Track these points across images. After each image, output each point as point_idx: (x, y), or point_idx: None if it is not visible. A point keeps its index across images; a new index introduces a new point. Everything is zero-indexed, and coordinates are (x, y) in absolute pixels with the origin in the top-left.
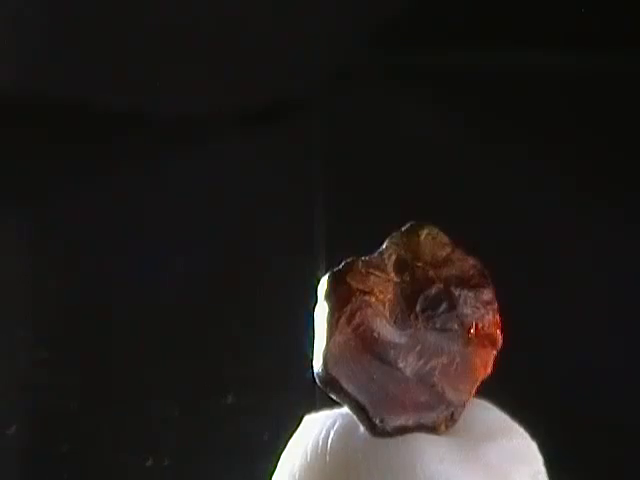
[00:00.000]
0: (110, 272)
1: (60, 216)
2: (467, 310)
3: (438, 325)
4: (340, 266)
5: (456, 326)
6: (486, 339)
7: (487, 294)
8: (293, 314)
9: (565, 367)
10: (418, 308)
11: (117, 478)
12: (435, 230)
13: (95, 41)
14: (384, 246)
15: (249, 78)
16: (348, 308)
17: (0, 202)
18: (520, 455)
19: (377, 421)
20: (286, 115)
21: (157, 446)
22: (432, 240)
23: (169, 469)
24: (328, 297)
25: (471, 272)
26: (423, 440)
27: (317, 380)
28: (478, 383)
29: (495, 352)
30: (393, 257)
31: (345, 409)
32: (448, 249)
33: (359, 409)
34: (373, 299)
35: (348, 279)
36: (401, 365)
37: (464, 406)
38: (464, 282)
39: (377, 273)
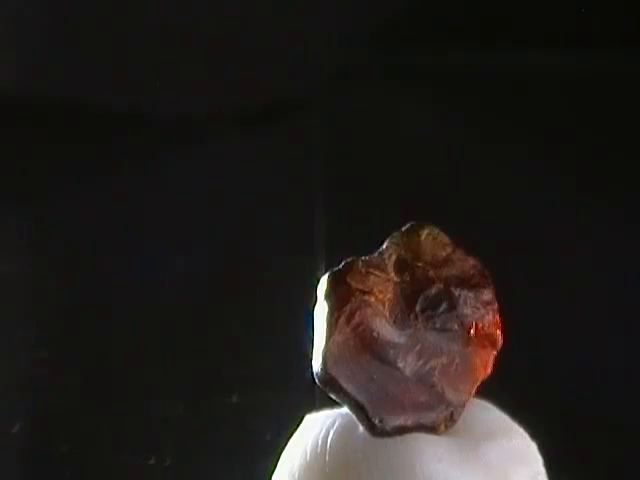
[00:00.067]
0: (110, 272)
1: (60, 216)
2: (467, 310)
3: (438, 325)
4: (340, 266)
5: (456, 326)
6: (486, 339)
7: (487, 294)
8: (293, 314)
9: (565, 367)
10: (418, 308)
11: (117, 478)
12: (436, 230)
13: (95, 41)
14: (384, 246)
15: (249, 78)
16: (347, 308)
17: (0, 202)
18: (520, 455)
19: (376, 421)
20: (286, 115)
21: (157, 446)
22: (433, 240)
23: (169, 469)
24: (328, 297)
25: (471, 272)
26: (422, 440)
27: (316, 380)
28: (478, 383)
29: (495, 352)
30: (393, 257)
31: (345, 409)
32: (449, 249)
33: (358, 409)
34: (373, 299)
35: (348, 279)
36: (400, 365)
37: (464, 406)
38: (464, 282)
39: (377, 273)
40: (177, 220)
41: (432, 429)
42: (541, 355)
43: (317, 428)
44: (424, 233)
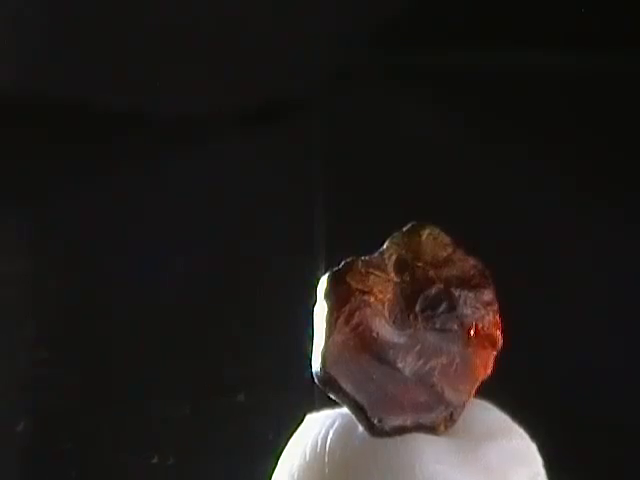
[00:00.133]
0: (110, 272)
1: (60, 216)
2: (467, 310)
3: (438, 325)
4: (340, 266)
5: (456, 326)
6: (486, 340)
7: (487, 295)
8: (293, 314)
9: (565, 367)
10: (418, 308)
11: (117, 478)
12: (436, 230)
13: (95, 41)
14: (385, 246)
15: (249, 78)
16: (347, 308)
17: (0, 202)
18: (520, 456)
19: (375, 421)
20: (286, 115)
21: (157, 446)
22: (433, 240)
23: (168, 469)
24: (327, 297)
25: (472, 272)
26: (422, 440)
27: (316, 379)
28: (478, 384)
29: (495, 353)
30: (393, 257)
31: (345, 409)
32: (449, 249)
33: (357, 409)
34: (372, 299)
35: (347, 279)
36: (400, 365)
37: (463, 406)
38: (464, 282)
39: (377, 273)
40: (177, 220)
41: (432, 429)
42: (541, 355)
43: (317, 428)
44: (425, 233)
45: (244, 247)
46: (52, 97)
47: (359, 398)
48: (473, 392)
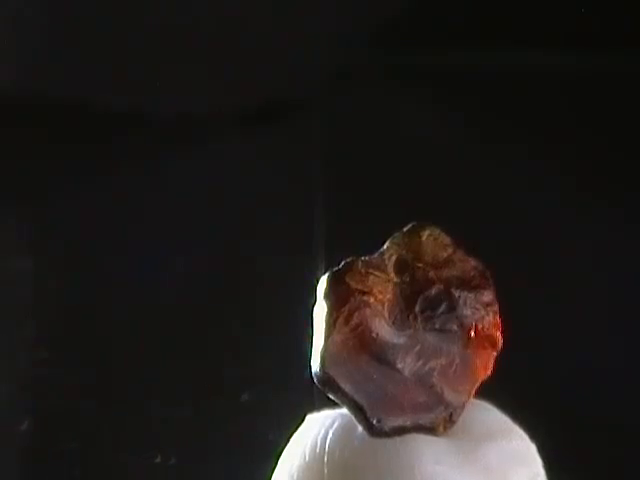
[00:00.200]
0: (110, 272)
1: (60, 216)
2: (467, 311)
3: (437, 326)
4: (339, 266)
5: (455, 327)
6: (486, 340)
7: (487, 295)
8: (293, 314)
9: (565, 367)
10: (418, 309)
11: (117, 478)
12: (437, 231)
13: (95, 41)
14: (385, 246)
15: (249, 78)
16: (346, 308)
17: (0, 202)
18: (519, 457)
19: (375, 421)
20: (286, 115)
21: (157, 446)
22: (433, 241)
23: (170, 469)
24: (327, 297)
25: (472, 273)
26: (421, 441)
27: (315, 380)
28: (477, 384)
29: (495, 353)
30: (394, 257)
31: (345, 409)
32: (449, 250)
33: (357, 409)
34: (372, 299)
35: (347, 279)
36: (400, 365)
37: (463, 407)
38: (465, 283)
39: (377, 273)
40: (177, 220)
41: (431, 430)
42: (541, 355)
43: (317, 428)
44: (425, 234)
45: (244, 247)
46: (52, 97)
47: (358, 398)
48: (473, 393)
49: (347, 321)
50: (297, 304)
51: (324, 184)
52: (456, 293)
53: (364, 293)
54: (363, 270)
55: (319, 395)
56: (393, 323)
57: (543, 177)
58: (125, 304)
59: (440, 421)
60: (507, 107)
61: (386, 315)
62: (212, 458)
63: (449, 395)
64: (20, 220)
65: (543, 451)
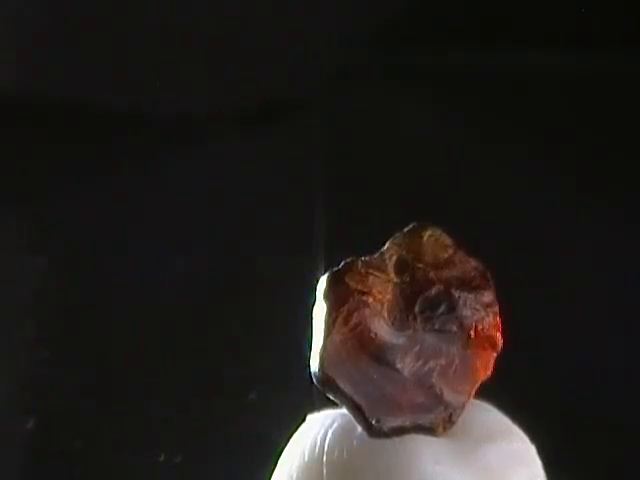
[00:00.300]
0: (110, 272)
1: (60, 216)
2: (467, 312)
3: (437, 326)
4: (339, 266)
5: (455, 328)
6: (486, 341)
7: (488, 296)
8: (293, 314)
9: (565, 367)
10: (417, 309)
11: (117, 478)
12: (438, 231)
13: (95, 41)
14: (386, 246)
15: (249, 78)
16: (345, 308)
17: (0, 202)
18: (519, 457)
19: (373, 421)
20: (286, 115)
21: (157, 446)
22: (434, 241)
23: (170, 469)
24: (326, 297)
25: (472, 274)
26: (421, 441)
27: (314, 380)
28: (477, 385)
29: (495, 354)
30: (394, 257)
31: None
32: (450, 251)
33: (355, 409)
34: (371, 299)
35: (347, 279)
36: (399, 366)
37: (463, 408)
38: (465, 284)
39: (377, 273)
40: (177, 220)
41: (431, 430)
42: (541, 355)
43: (316, 428)
44: (426, 234)
45: (244, 247)
46: (52, 97)
47: (357, 398)
48: (472, 393)
49: (346, 321)
50: (297, 304)
51: (324, 184)
52: (456, 294)
53: (363, 293)
54: (363, 270)
55: (319, 395)
56: (392, 323)
57: (543, 177)
58: (125, 304)
59: (439, 422)
60: (507, 107)
61: (385, 315)
62: (212, 458)
63: (448, 396)
64: (20, 220)
65: (543, 451)
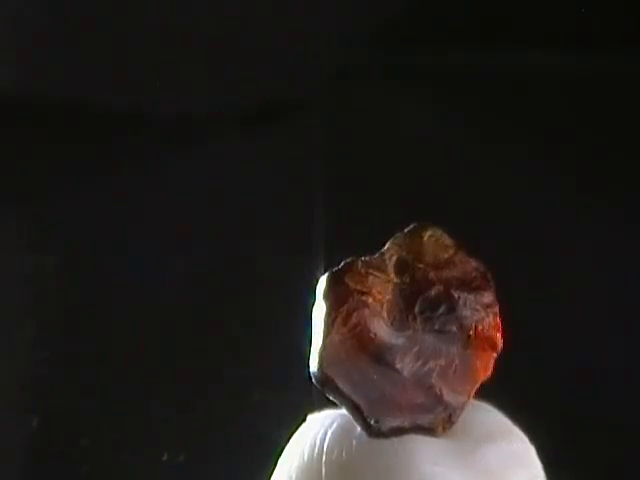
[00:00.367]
0: (110, 272)
1: (60, 216)
2: (467, 312)
3: (437, 327)
4: (339, 266)
5: (455, 328)
6: (486, 342)
7: (488, 297)
8: (293, 314)
9: (565, 367)
10: (417, 309)
11: (116, 478)
12: (438, 232)
13: (95, 41)
14: (386, 247)
15: (249, 78)
16: (345, 308)
17: (0, 202)
18: (519, 458)
19: (372, 422)
20: (286, 115)
21: (157, 446)
22: (435, 242)
23: (170, 469)
24: (326, 297)
25: (473, 274)
26: (420, 442)
27: (313, 380)
28: (477, 385)
29: (495, 355)
30: (394, 258)
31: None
32: (451, 251)
33: (354, 409)
34: (371, 299)
35: (346, 279)
36: (398, 366)
37: (462, 408)
38: (465, 284)
39: (377, 274)
40: (177, 220)
41: (430, 431)
42: (541, 355)
43: (316, 428)
44: (427, 234)
45: (244, 247)
46: (52, 97)
47: (356, 398)
48: (472, 394)
49: (345, 321)
50: (297, 304)
51: (324, 184)
52: (456, 294)
53: (363, 293)
54: (363, 270)
55: (318, 395)
56: (392, 324)
57: (543, 177)
58: (125, 304)
59: (439, 422)
60: (507, 107)
61: (385, 315)
62: (212, 458)
63: (448, 396)
64: (20, 220)
65: (543, 451)
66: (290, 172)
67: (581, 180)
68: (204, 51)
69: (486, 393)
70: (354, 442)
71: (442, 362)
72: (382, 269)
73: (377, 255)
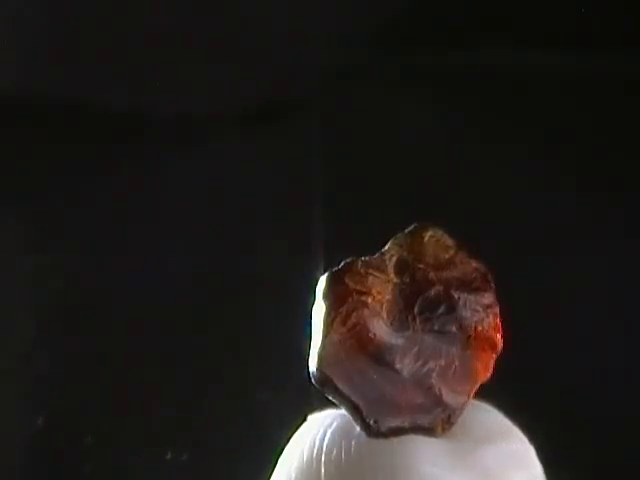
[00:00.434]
0: (110, 272)
1: (60, 216)
2: (467, 313)
3: (436, 327)
4: (339, 266)
5: (455, 329)
6: (486, 342)
7: (488, 297)
8: (293, 314)
9: (565, 367)
10: (417, 310)
11: (116, 477)
12: (439, 232)
13: (95, 41)
14: (387, 247)
15: (249, 78)
16: (344, 308)
17: (0, 202)
18: (518, 459)
19: (371, 422)
20: (286, 115)
21: (157, 446)
22: (435, 242)
23: (170, 469)
24: (325, 297)
25: (473, 275)
26: (419, 442)
27: (312, 379)
28: (477, 386)
29: (495, 355)
30: (394, 258)
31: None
32: (451, 251)
33: (353, 409)
34: (370, 300)
35: (346, 279)
36: (398, 366)
37: (462, 408)
38: (465, 285)
39: (376, 274)
40: (177, 220)
41: (429, 431)
42: (541, 355)
43: (315, 428)
44: (427, 235)
45: (244, 247)
46: (52, 97)
47: (355, 398)
48: (472, 394)
49: (345, 321)
50: (297, 304)
51: (324, 184)
52: (456, 294)
53: (363, 293)
54: (363, 270)
55: (318, 395)
56: (392, 324)
57: (543, 177)
58: (125, 304)
59: (438, 422)
60: (507, 107)
61: (385, 316)
62: (212, 458)
63: (448, 396)
64: (20, 220)
65: (543, 451)
66: (290, 172)
67: (581, 180)
68: (204, 51)
69: (486, 393)
70: (353, 442)
71: (442, 362)
72: (382, 269)
73: (377, 255)
